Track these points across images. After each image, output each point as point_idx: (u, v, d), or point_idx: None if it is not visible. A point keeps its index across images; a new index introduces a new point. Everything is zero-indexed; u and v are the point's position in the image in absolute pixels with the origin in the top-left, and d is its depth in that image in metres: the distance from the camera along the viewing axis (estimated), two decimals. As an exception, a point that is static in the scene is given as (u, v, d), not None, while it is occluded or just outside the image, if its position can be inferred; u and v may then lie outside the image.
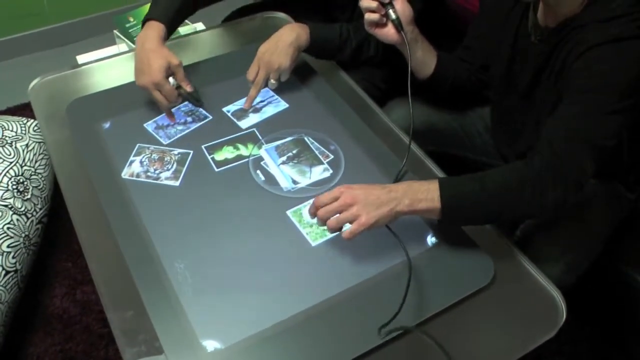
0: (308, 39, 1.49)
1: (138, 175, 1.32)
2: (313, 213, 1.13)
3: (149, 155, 1.36)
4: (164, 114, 1.46)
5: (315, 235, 1.21)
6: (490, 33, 1.40)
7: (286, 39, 1.46)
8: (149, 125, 1.45)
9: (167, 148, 1.38)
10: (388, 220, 1.09)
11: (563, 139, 1.10)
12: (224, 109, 1.49)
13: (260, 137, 1.42)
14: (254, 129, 1.44)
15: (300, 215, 1.24)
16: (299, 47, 1.48)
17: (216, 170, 1.34)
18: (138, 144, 1.39)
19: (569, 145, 1.09)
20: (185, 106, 1.49)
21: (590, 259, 1.34)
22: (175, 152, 1.37)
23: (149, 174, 1.32)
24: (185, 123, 1.45)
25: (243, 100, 1.51)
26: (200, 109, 1.48)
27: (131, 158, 1.36)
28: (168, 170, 1.33)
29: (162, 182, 1.31)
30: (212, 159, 1.36)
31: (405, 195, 1.09)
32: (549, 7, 1.22)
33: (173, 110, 1.48)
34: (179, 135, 1.42)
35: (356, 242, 1.15)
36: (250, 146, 1.40)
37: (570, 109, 1.12)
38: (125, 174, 1.32)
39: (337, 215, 1.09)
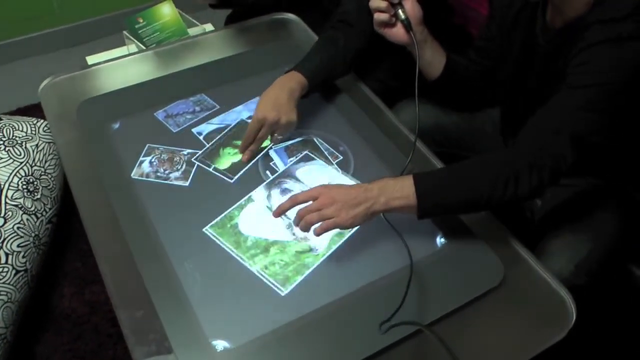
0: (304, 88, 1.41)
1: (148, 175, 1.32)
2: (286, 209, 1.13)
3: (159, 155, 1.37)
4: (173, 104, 1.48)
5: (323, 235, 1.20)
6: (500, 34, 1.40)
7: (283, 96, 1.36)
8: (159, 115, 1.47)
9: (176, 148, 1.38)
10: (364, 219, 1.10)
11: (548, 129, 1.11)
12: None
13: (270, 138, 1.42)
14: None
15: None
16: (298, 98, 1.39)
17: (225, 170, 1.35)
18: (148, 144, 1.39)
19: (551, 135, 1.10)
20: (194, 95, 1.52)
21: (600, 260, 1.34)
22: (185, 153, 1.37)
23: (158, 174, 1.33)
24: (193, 112, 1.47)
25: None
26: (207, 98, 1.50)
27: (141, 158, 1.36)
28: (178, 170, 1.33)
29: (171, 182, 1.31)
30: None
31: (381, 194, 1.09)
32: (556, 8, 1.21)
33: (182, 100, 1.50)
34: (187, 124, 1.44)
35: (365, 244, 1.15)
36: (259, 147, 1.40)
37: (561, 102, 1.12)
38: (135, 174, 1.33)
39: (318, 212, 1.10)
